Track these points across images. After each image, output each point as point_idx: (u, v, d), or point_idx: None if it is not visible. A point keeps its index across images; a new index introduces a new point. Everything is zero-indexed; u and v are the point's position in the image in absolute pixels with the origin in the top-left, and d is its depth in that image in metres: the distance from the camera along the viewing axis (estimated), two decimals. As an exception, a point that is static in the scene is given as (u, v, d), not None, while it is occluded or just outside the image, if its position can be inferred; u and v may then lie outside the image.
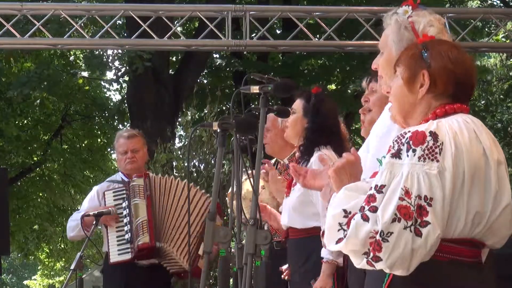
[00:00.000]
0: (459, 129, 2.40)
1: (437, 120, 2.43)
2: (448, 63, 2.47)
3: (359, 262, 2.36)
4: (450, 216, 2.35)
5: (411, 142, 2.35)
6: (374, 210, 2.31)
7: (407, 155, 2.34)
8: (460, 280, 2.38)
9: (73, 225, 5.73)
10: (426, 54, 2.50)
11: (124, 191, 5.63)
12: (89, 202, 5.79)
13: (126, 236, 5.54)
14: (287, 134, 4.74)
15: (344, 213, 2.39)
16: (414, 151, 2.34)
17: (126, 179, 5.74)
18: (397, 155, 2.36)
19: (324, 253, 4.27)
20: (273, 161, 5.51)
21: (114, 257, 5.55)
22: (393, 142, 2.39)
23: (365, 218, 2.31)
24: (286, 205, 4.54)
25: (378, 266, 2.31)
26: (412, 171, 2.32)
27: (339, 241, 2.37)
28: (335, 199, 2.47)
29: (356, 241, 2.32)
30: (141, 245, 5.45)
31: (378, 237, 2.28)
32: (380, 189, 2.34)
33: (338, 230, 2.38)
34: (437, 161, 2.33)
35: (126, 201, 5.58)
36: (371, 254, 2.30)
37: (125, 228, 5.56)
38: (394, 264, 2.30)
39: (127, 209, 5.56)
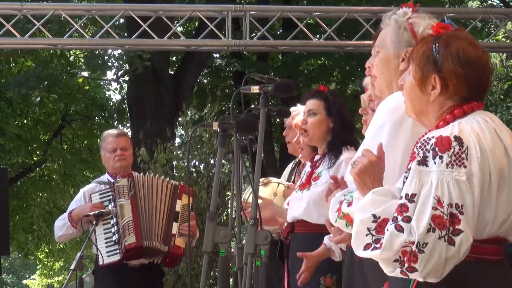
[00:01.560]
0: (481, 130, 2.39)
1: (457, 122, 2.41)
2: (459, 66, 2.43)
3: (391, 270, 2.34)
4: (479, 220, 2.35)
5: (436, 148, 2.33)
6: (408, 220, 2.29)
7: (434, 162, 2.32)
8: (486, 278, 2.38)
9: (60, 224, 5.72)
10: (437, 54, 2.45)
11: (110, 193, 5.62)
12: (76, 204, 5.77)
13: (114, 238, 5.53)
14: (312, 136, 4.64)
15: (373, 218, 2.37)
16: (441, 157, 2.32)
17: (112, 180, 5.73)
18: (423, 162, 2.34)
19: (326, 240, 4.31)
20: (296, 160, 5.50)
21: (104, 259, 5.56)
22: (416, 149, 2.37)
23: (400, 229, 2.29)
24: (302, 198, 4.52)
25: (413, 276, 2.31)
26: (441, 179, 2.30)
27: (367, 246, 2.35)
28: (362, 203, 2.44)
29: (391, 252, 2.30)
30: (128, 245, 5.45)
31: (414, 248, 2.27)
32: (411, 198, 2.32)
33: (367, 235, 2.36)
34: (465, 166, 2.32)
35: (112, 202, 5.58)
36: (406, 265, 2.29)
37: (112, 230, 5.55)
38: (429, 274, 2.29)
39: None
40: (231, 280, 4.06)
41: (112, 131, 5.99)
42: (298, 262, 4.53)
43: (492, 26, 14.00)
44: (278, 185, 5.18)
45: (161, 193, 5.62)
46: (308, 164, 4.69)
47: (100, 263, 5.54)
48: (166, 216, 5.56)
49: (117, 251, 5.52)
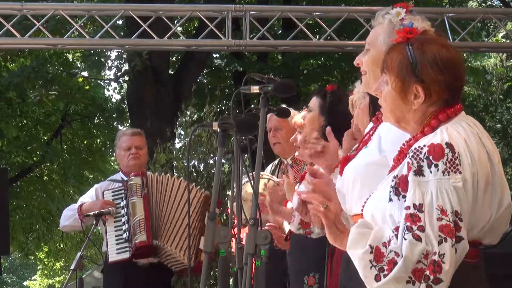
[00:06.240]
0: (467, 136, 2.40)
1: (444, 127, 2.41)
2: (439, 74, 2.43)
3: None
4: None
5: (430, 157, 2.33)
6: (422, 229, 2.28)
7: (431, 171, 2.32)
8: (464, 281, 2.38)
9: (68, 214, 5.73)
10: (414, 63, 2.44)
11: (123, 190, 5.64)
12: (87, 199, 5.80)
13: (124, 235, 5.55)
14: (305, 132, 4.67)
15: (370, 249, 2.36)
16: (436, 166, 2.32)
17: (125, 178, 5.76)
18: (419, 172, 2.33)
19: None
20: (276, 161, 5.49)
21: (113, 256, 5.57)
22: (410, 159, 2.36)
23: (418, 238, 2.28)
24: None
25: (438, 287, 2.29)
26: (440, 188, 2.30)
27: (377, 277, 2.33)
28: (351, 241, 2.42)
29: (411, 261, 2.27)
30: (138, 243, 5.46)
31: (436, 258, 2.26)
32: (420, 208, 2.30)
33: (371, 267, 2.35)
34: (460, 172, 2.32)
35: (124, 200, 5.60)
36: (432, 277, 2.26)
37: (123, 227, 5.57)
38: (448, 283, 2.29)
39: (125, 208, 5.58)
40: (231, 280, 4.06)
41: (127, 130, 6.10)
42: (294, 262, 4.53)
43: (492, 26, 14.00)
44: (268, 181, 5.18)
45: (175, 194, 5.63)
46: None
47: (109, 260, 5.56)
48: (197, 229, 5.54)
49: (127, 248, 5.53)
